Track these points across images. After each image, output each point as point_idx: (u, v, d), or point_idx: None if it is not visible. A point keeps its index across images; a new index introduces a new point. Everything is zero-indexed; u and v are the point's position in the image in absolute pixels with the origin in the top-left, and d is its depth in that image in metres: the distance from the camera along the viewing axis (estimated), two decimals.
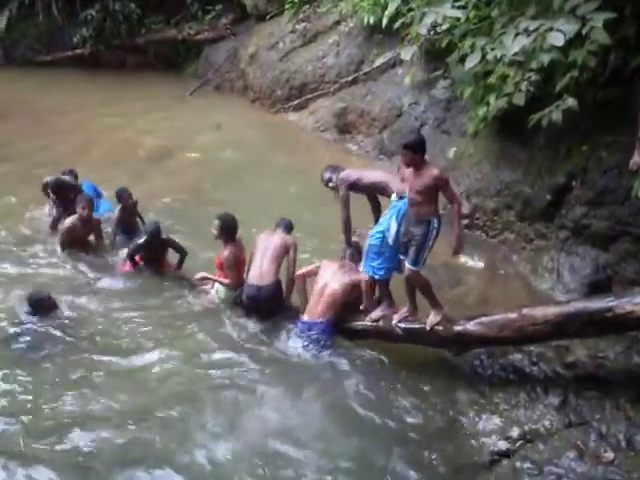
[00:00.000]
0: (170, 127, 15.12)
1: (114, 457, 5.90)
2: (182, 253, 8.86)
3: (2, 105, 16.31)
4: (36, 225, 10.02)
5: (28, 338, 7.47)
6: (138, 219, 9.73)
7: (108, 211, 10.07)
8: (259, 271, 7.70)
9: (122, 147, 13.89)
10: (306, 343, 7.29)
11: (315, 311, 7.39)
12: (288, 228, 8.04)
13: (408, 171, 6.55)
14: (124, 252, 9.02)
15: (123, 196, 9.49)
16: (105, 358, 7.26)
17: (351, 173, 7.67)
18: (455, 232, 6.49)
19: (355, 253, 7.59)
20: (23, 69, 20.06)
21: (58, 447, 6.00)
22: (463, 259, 8.76)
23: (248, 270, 7.84)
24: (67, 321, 7.78)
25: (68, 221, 9.18)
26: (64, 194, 9.76)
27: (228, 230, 8.03)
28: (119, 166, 12.73)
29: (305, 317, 7.45)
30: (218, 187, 11.81)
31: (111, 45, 20.59)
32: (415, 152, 6.43)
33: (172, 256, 8.99)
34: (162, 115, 16.01)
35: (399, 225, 6.75)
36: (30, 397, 6.65)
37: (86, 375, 6.98)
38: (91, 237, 9.44)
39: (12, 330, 7.60)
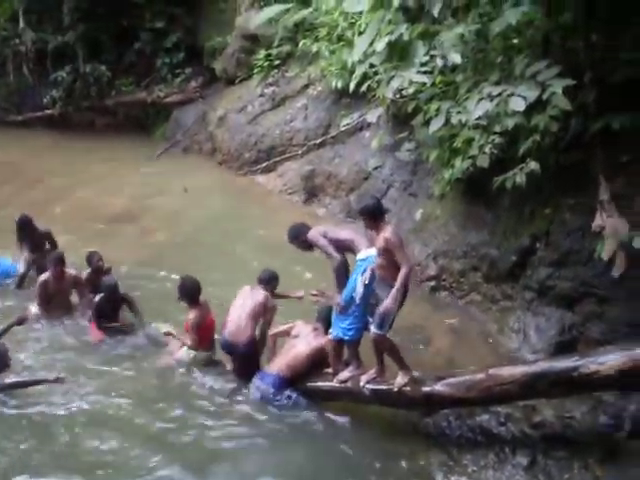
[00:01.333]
0: (136, 189, 15.09)
1: None
2: (136, 311, 8.88)
3: None
4: None
5: None
6: None
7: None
8: (235, 327, 7.65)
9: (86, 208, 13.84)
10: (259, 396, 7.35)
11: (275, 365, 7.40)
12: (269, 281, 8.00)
13: (371, 234, 6.63)
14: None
15: (92, 260, 9.46)
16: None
17: (319, 228, 7.64)
18: (392, 294, 6.42)
19: (325, 319, 7.51)
20: None
21: None
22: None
23: (224, 323, 7.79)
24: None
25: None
26: None
27: (189, 293, 8.03)
28: (81, 227, 12.69)
29: (265, 368, 7.47)
30: (183, 249, 11.77)
31: (81, 106, 20.64)
32: (371, 217, 6.53)
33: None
34: (129, 177, 16.01)
35: (367, 284, 6.78)
36: None
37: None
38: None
39: None
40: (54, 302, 9.23)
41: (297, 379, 7.38)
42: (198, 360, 8.06)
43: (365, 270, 6.79)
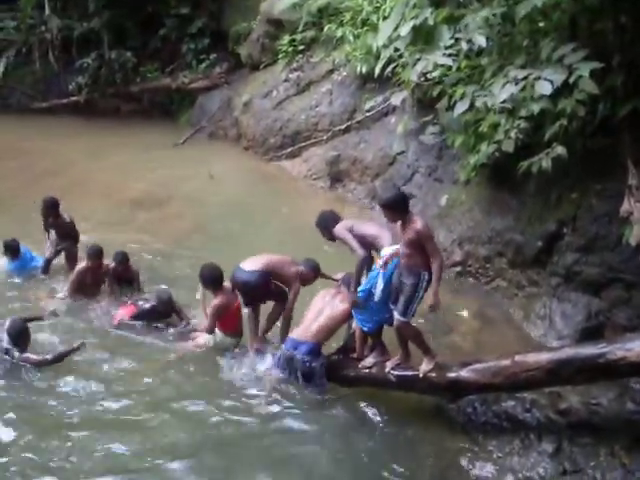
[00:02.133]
0: (162, 175, 15.14)
1: None
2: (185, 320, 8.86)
3: None
4: None
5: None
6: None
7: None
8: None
9: (111, 193, 13.93)
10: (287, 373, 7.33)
11: (307, 333, 7.33)
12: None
13: (398, 224, 6.57)
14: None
15: (118, 259, 9.46)
16: (81, 402, 7.22)
17: (346, 223, 7.59)
18: (433, 289, 6.44)
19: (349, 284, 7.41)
20: (19, 116, 20.18)
21: None
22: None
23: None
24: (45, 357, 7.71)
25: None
26: None
27: (211, 280, 8.06)
28: (105, 212, 12.81)
29: (294, 335, 7.42)
30: (208, 234, 11.85)
31: (106, 93, 20.75)
32: (393, 209, 6.45)
33: None
34: (155, 163, 16.06)
35: (385, 282, 6.76)
36: None
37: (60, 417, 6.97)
38: None
39: None
40: (85, 291, 9.37)
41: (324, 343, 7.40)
42: (226, 345, 8.10)
43: (389, 275, 6.77)
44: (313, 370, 7.25)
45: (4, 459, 6.31)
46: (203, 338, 8.20)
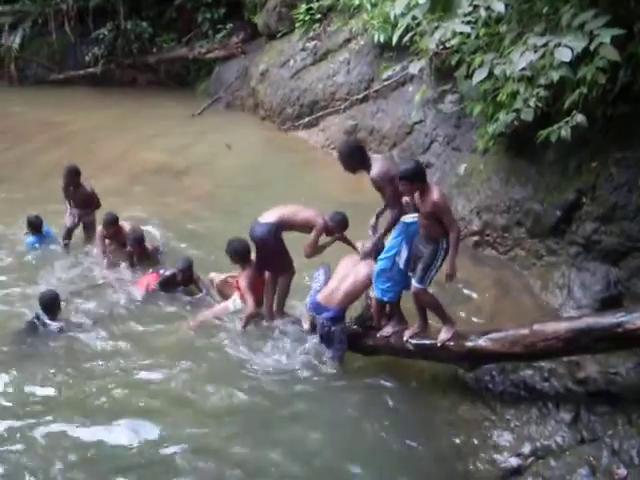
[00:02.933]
0: (180, 145, 15.21)
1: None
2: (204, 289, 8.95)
3: (17, 124, 16.48)
4: None
5: (35, 337, 7.81)
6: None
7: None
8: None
9: (130, 163, 14.02)
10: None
11: (332, 298, 7.31)
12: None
13: (416, 195, 6.54)
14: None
15: (133, 235, 9.57)
16: (109, 367, 7.40)
17: (387, 165, 7.17)
18: (450, 259, 6.45)
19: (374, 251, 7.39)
20: (36, 88, 20.24)
21: None
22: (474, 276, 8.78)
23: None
24: (77, 324, 8.07)
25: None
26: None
27: (239, 254, 8.09)
28: (124, 181, 12.93)
29: (319, 299, 7.41)
30: (226, 203, 11.89)
31: (122, 64, 20.79)
32: (411, 181, 6.40)
33: None
34: (172, 133, 16.11)
35: (409, 249, 6.76)
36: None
37: (87, 380, 7.15)
38: None
39: (22, 327, 7.92)
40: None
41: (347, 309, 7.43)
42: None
43: (411, 235, 6.76)
44: (333, 334, 7.27)
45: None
46: (223, 308, 8.27)
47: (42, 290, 8.21)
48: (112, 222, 9.52)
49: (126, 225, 9.72)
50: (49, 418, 6.56)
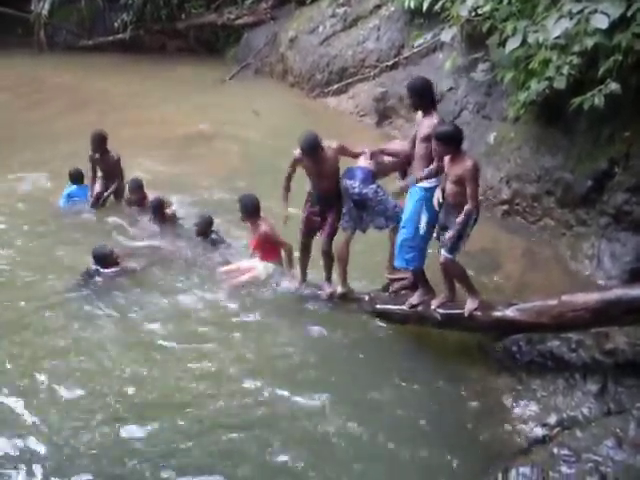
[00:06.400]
0: (209, 111, 15.19)
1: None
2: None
3: (46, 90, 16.56)
4: None
5: (88, 292, 8.17)
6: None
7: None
8: None
9: (159, 130, 14.06)
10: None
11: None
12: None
13: (446, 160, 6.49)
14: None
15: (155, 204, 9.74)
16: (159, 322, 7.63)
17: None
18: (455, 229, 6.46)
19: None
20: (65, 54, 20.28)
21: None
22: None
23: None
24: (129, 279, 8.45)
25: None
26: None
27: (252, 209, 8.10)
28: (153, 148, 12.94)
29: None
30: (255, 170, 11.89)
31: (151, 30, 20.72)
32: (447, 144, 6.37)
33: None
34: (202, 99, 16.08)
35: (430, 214, 6.74)
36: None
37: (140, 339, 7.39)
38: None
39: (74, 283, 8.30)
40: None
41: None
42: (272, 274, 8.22)
43: (428, 200, 6.74)
44: (365, 196, 7.29)
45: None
46: (255, 270, 8.28)
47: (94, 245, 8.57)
48: (138, 186, 9.69)
49: (149, 194, 9.86)
50: None
